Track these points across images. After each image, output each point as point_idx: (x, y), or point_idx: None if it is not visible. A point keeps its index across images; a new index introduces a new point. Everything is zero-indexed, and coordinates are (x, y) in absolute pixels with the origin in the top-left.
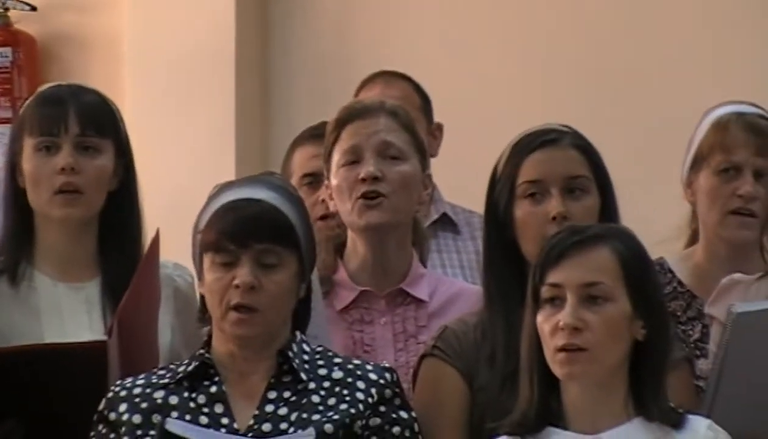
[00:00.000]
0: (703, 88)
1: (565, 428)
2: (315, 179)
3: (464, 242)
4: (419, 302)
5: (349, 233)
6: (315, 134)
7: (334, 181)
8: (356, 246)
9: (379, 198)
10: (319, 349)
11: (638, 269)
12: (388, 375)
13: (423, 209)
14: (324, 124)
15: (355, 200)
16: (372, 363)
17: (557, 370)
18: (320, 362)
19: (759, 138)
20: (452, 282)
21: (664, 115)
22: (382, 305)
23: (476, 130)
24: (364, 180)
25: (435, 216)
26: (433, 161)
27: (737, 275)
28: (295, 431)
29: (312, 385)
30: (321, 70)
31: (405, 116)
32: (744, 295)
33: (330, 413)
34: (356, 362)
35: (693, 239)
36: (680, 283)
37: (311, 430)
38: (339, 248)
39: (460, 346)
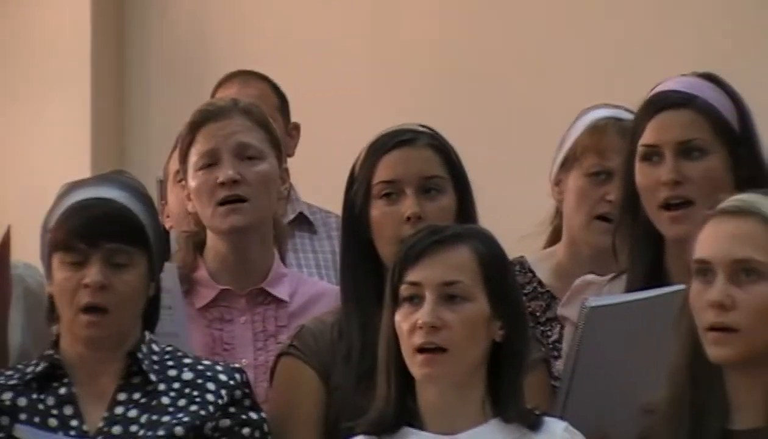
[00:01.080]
0: (570, 88)
1: (421, 428)
2: None
3: (321, 242)
4: (280, 301)
5: (209, 232)
6: None
7: (192, 183)
8: (216, 245)
9: (240, 203)
10: (169, 349)
11: (497, 269)
12: (238, 376)
13: (281, 206)
14: None
15: (215, 205)
16: (222, 364)
17: (415, 371)
18: (170, 363)
19: None
20: (314, 283)
21: (524, 114)
22: (242, 303)
23: (333, 130)
24: (223, 184)
25: (291, 215)
26: (290, 161)
27: (590, 276)
28: (145, 434)
29: (162, 386)
30: (178, 69)
31: (259, 113)
32: (597, 296)
33: (180, 415)
34: (206, 362)
35: (554, 237)
36: (540, 283)
37: (161, 432)
38: (199, 245)
39: (317, 345)
